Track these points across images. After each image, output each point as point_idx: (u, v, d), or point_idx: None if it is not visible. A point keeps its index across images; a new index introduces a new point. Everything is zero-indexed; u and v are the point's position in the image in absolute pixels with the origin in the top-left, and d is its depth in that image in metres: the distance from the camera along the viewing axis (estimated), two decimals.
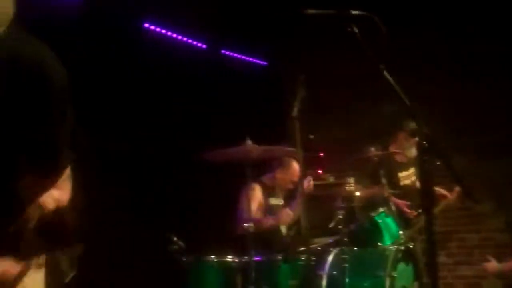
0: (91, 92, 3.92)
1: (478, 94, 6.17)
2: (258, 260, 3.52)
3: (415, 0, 6.36)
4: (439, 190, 4.96)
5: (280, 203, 4.67)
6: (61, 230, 1.82)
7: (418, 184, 5.02)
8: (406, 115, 2.06)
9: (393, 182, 5.05)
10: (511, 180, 6.08)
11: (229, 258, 3.64)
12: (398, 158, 5.23)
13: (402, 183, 5.12)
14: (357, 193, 4.27)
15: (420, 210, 4.74)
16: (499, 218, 6.21)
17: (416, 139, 5.04)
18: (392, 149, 5.20)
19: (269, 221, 4.42)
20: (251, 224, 3.52)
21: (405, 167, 5.23)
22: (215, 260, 3.63)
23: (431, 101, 6.11)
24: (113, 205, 3.83)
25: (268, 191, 4.65)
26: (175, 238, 3.63)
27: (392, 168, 5.12)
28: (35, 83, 1.31)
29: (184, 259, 3.62)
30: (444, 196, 5.06)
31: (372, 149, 4.93)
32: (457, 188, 5.02)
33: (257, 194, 4.54)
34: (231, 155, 3.87)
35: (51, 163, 1.47)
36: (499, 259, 5.09)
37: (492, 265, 4.54)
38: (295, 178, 4.51)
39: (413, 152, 5.06)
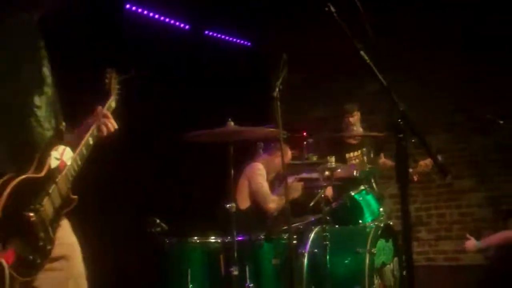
0: (72, 72, 3.89)
1: (458, 71, 6.24)
2: (240, 240, 3.55)
3: None
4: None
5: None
6: None
7: (379, 161, 5.11)
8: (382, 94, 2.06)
9: (345, 159, 5.12)
10: (490, 156, 6.19)
11: (212, 239, 3.67)
12: (348, 139, 5.31)
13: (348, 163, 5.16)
14: (339, 171, 4.30)
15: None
16: (479, 193, 6.34)
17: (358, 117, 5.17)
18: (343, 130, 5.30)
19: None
20: (233, 204, 3.53)
21: (353, 148, 5.28)
22: (197, 241, 3.66)
23: (411, 80, 6.20)
24: (94, 186, 3.82)
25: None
26: (157, 220, 3.65)
27: (340, 149, 5.17)
28: None
29: (167, 241, 3.64)
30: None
31: (354, 128, 4.99)
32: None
33: (264, 173, 4.63)
34: (213, 136, 3.88)
35: None
36: (478, 233, 5.21)
37: (472, 243, 4.65)
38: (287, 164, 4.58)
39: (359, 130, 5.20)
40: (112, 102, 2.49)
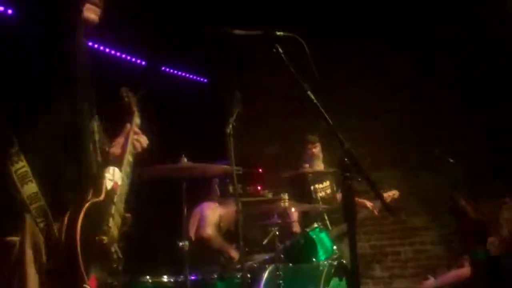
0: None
1: (415, 108, 6.38)
2: (193, 279, 3.49)
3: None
4: (361, 201, 5.10)
5: None
6: None
7: (337, 196, 5.15)
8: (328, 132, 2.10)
9: (307, 195, 5.08)
10: (444, 194, 6.30)
11: (165, 278, 3.60)
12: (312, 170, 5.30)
13: (317, 195, 5.16)
14: (292, 209, 4.31)
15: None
16: (433, 230, 6.43)
17: (319, 148, 5.21)
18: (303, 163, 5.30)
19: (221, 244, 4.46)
20: (186, 243, 3.49)
21: (319, 179, 5.27)
22: (150, 280, 3.58)
23: (368, 114, 6.32)
24: None
25: None
26: None
27: (306, 181, 5.15)
28: None
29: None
30: (364, 205, 5.18)
31: (306, 165, 5.03)
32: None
33: (215, 213, 4.61)
34: (166, 172, 3.85)
35: None
36: (433, 271, 5.27)
37: (430, 282, 4.70)
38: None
39: (320, 166, 5.23)
40: (136, 119, 2.57)
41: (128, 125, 2.45)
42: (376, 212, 5.22)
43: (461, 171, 4.87)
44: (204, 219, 4.59)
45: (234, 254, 4.36)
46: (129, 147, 2.35)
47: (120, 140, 2.41)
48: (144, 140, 2.45)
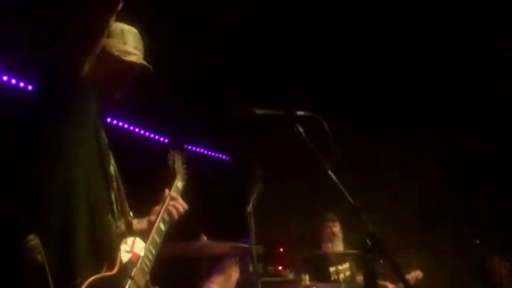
0: None
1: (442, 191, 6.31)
2: None
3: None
4: (383, 283, 4.93)
5: None
6: None
7: (358, 279, 4.98)
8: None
9: (327, 276, 4.87)
10: (473, 276, 6.11)
11: None
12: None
13: (338, 276, 5.01)
14: None
15: None
16: None
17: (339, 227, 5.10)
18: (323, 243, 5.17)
19: None
20: None
21: (338, 261, 5.08)
22: None
23: (392, 196, 6.26)
24: None
25: None
26: None
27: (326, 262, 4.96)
28: None
29: None
30: None
31: (327, 245, 4.93)
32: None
33: None
34: (185, 250, 3.81)
35: None
36: None
37: None
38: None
39: (340, 246, 5.11)
40: (178, 183, 2.46)
41: (167, 191, 2.31)
42: None
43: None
44: None
45: None
46: (163, 214, 2.20)
47: (157, 208, 2.27)
48: (181, 206, 2.30)
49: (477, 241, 4.84)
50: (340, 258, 5.08)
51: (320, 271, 4.90)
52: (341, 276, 5.01)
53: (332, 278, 4.79)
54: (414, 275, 5.12)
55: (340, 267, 5.06)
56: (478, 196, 6.05)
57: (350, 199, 2.09)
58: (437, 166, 6.36)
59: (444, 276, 6.17)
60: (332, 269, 4.88)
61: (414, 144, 6.46)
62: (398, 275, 2.11)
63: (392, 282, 5.01)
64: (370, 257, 2.00)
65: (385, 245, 2.01)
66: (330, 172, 2.11)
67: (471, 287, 5.91)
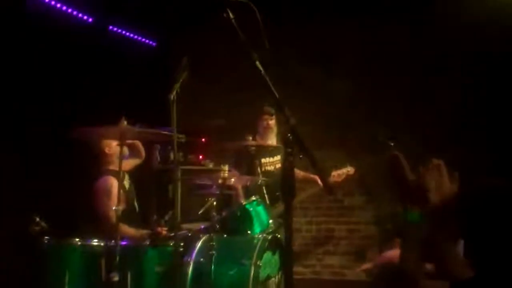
0: None
1: (352, 88, 6.42)
2: (124, 244, 3.40)
3: None
4: (311, 176, 5.07)
5: None
6: None
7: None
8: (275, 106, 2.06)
9: (250, 168, 4.98)
10: (381, 175, 6.42)
11: (95, 242, 3.48)
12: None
13: (264, 169, 5.09)
14: (232, 180, 4.26)
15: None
16: (368, 211, 6.56)
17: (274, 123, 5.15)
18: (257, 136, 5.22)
19: None
20: (120, 207, 3.39)
21: (269, 153, 5.20)
22: (78, 243, 3.45)
23: (306, 94, 6.33)
24: None
25: None
26: (37, 218, 3.42)
27: (250, 155, 5.00)
28: None
29: (46, 241, 3.42)
30: (315, 181, 5.11)
31: (250, 137, 4.97)
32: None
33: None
34: (103, 134, 3.72)
35: None
36: (365, 250, 5.36)
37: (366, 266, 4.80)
38: None
39: (273, 138, 5.17)
40: None
41: None
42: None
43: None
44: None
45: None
46: None
47: None
48: None
49: (381, 136, 4.99)
50: (269, 151, 5.16)
51: (243, 163, 4.98)
52: (269, 168, 5.13)
53: (257, 171, 4.88)
54: (346, 170, 5.32)
55: (267, 160, 5.16)
56: (397, 95, 6.22)
57: (276, 93, 2.05)
58: (361, 62, 6.43)
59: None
60: (256, 161, 4.95)
61: (337, 40, 6.48)
62: (316, 169, 2.15)
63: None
64: (290, 151, 2.01)
65: (303, 140, 2.02)
66: (258, 63, 2.05)
67: (381, 185, 6.23)
